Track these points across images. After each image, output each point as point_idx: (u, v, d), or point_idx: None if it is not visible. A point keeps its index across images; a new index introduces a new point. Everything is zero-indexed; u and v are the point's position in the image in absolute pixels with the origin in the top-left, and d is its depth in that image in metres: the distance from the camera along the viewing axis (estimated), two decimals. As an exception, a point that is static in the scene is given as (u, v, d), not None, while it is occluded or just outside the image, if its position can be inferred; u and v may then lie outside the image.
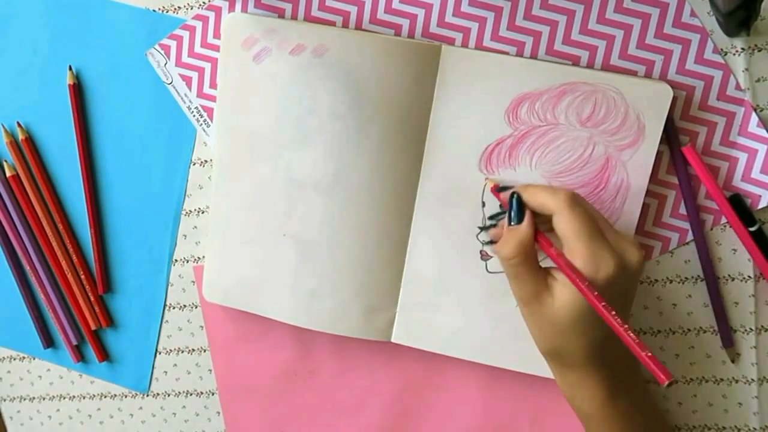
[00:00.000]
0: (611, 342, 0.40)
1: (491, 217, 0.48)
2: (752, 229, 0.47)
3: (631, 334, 0.37)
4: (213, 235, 0.53)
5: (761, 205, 0.47)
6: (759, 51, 0.45)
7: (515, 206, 0.44)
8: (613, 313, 0.38)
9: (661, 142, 0.45)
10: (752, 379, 0.50)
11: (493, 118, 0.47)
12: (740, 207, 0.47)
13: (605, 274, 0.39)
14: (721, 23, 0.44)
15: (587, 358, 0.42)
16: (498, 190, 0.47)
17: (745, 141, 0.46)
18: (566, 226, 0.41)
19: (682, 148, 0.46)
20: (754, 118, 0.46)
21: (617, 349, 0.40)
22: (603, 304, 0.38)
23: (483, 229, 0.49)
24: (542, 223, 0.43)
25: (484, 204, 0.48)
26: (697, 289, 0.49)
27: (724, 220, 0.47)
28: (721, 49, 0.45)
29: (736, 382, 0.50)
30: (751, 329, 0.49)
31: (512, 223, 0.43)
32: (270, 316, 0.53)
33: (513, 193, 0.44)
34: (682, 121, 0.46)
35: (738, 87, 0.45)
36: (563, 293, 0.41)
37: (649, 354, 0.36)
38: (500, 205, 0.48)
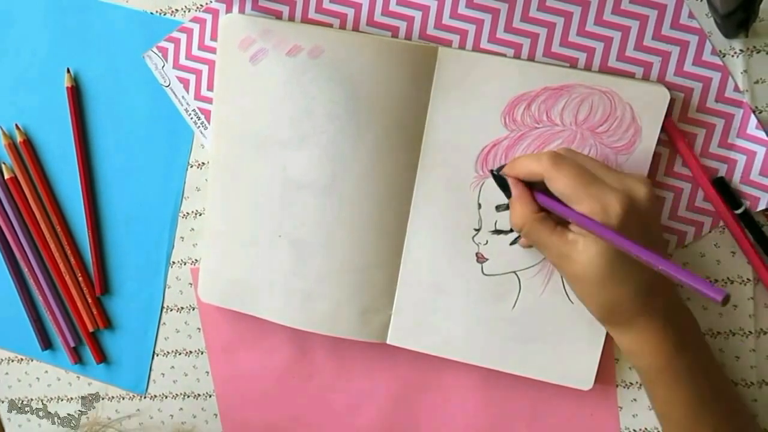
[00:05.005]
0: (660, 285, 0.39)
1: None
2: (738, 211, 0.46)
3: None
4: (209, 235, 0.53)
5: (760, 207, 0.47)
6: (758, 52, 0.45)
7: (497, 182, 0.45)
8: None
9: (658, 144, 0.45)
10: (751, 382, 0.49)
11: (490, 120, 0.47)
12: (725, 190, 0.46)
13: (616, 214, 0.39)
14: (720, 25, 0.44)
15: (639, 307, 0.41)
16: (493, 174, 0.47)
17: (744, 143, 0.46)
18: (558, 184, 0.41)
19: (663, 122, 0.45)
20: (752, 120, 0.45)
21: (669, 293, 0.39)
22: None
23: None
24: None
25: (480, 206, 0.48)
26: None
27: (722, 222, 0.47)
28: (720, 51, 0.45)
29: (736, 384, 0.50)
30: (750, 332, 0.49)
31: (510, 198, 0.44)
32: (265, 317, 0.53)
33: (491, 172, 0.46)
34: (681, 123, 0.46)
35: (736, 89, 0.45)
36: (588, 245, 0.40)
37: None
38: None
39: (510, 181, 0.44)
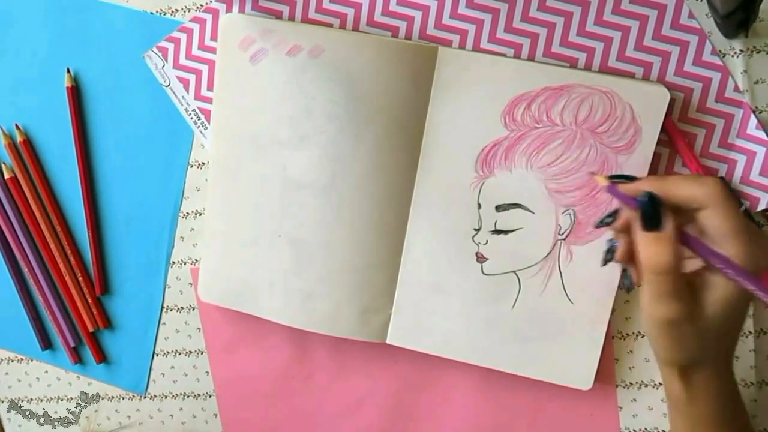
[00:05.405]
0: (727, 329, 0.38)
1: (602, 224, 0.42)
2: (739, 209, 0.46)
3: None
4: (209, 235, 0.53)
5: (760, 207, 0.46)
6: (758, 53, 0.44)
7: (652, 208, 0.36)
8: None
9: (658, 144, 0.45)
10: (751, 383, 0.49)
11: (490, 120, 0.47)
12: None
13: (764, 269, 0.35)
14: (720, 25, 0.44)
15: (722, 356, 0.40)
16: (612, 180, 0.39)
17: (744, 143, 0.46)
18: (723, 222, 0.35)
19: (663, 122, 0.45)
20: (752, 120, 0.45)
21: (732, 338, 0.38)
22: None
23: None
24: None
25: (480, 206, 0.48)
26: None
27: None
28: (720, 51, 0.45)
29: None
30: (750, 332, 0.48)
31: (649, 229, 0.36)
32: (265, 317, 0.53)
33: (647, 193, 0.37)
34: (681, 123, 0.46)
35: (736, 89, 0.45)
36: (716, 297, 0.36)
37: None
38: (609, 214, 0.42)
39: (665, 211, 0.36)
